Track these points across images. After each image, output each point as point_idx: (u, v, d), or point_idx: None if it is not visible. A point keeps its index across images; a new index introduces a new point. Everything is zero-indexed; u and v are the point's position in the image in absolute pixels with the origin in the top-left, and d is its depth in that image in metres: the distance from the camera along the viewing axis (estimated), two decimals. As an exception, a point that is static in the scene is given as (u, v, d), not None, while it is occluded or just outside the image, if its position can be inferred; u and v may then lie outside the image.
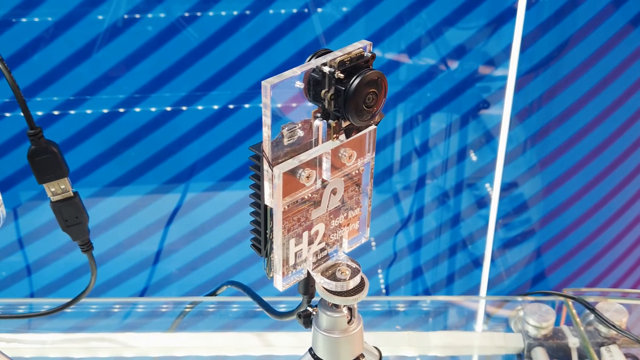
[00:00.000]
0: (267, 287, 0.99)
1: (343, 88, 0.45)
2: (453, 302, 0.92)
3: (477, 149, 1.00)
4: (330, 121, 0.47)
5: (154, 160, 0.97)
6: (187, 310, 0.83)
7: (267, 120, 0.45)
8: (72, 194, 0.64)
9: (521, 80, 0.93)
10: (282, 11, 0.90)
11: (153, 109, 0.94)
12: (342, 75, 0.45)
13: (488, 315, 0.90)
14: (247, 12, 0.89)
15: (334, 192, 0.50)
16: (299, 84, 0.46)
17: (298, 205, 0.48)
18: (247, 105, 0.95)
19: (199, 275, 1.05)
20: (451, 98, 0.96)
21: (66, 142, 0.67)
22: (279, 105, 0.45)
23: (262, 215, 0.49)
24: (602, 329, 0.81)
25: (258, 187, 0.48)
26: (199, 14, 0.90)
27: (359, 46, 0.47)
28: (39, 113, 0.86)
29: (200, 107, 0.94)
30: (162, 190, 1.00)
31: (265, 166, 0.46)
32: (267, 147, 0.46)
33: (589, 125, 0.98)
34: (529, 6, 0.88)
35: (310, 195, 0.48)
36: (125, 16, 0.89)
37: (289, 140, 0.47)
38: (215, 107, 0.95)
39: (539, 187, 1.02)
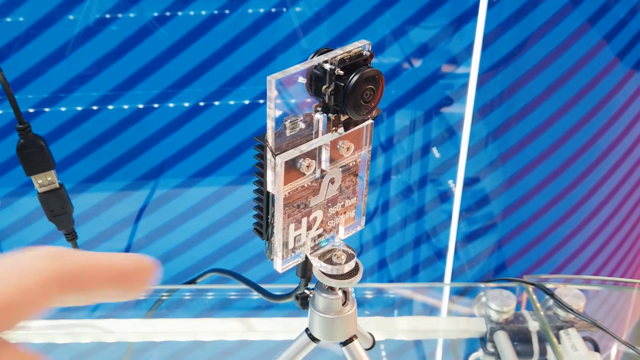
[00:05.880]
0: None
1: (343, 84, 0.48)
2: (419, 288, 0.95)
3: (440, 144, 1.03)
4: (330, 115, 0.49)
5: (127, 157, 0.98)
6: (165, 297, 0.84)
7: (271, 112, 0.48)
8: (58, 186, 0.66)
9: (483, 77, 0.95)
10: (250, 11, 0.92)
11: (126, 107, 0.95)
12: (342, 72, 0.48)
13: (452, 301, 0.93)
14: (216, 12, 0.91)
15: (332, 181, 0.52)
16: (302, 80, 0.48)
17: (298, 193, 0.51)
18: (216, 103, 0.96)
19: (171, 267, 1.06)
20: (415, 95, 0.98)
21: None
22: (282, 100, 0.48)
23: (264, 201, 0.52)
24: (561, 313, 0.83)
25: (261, 175, 0.51)
26: (168, 14, 0.91)
27: (359, 45, 0.49)
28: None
29: (171, 105, 0.96)
30: (135, 187, 1.01)
31: (269, 155, 0.49)
32: (270, 137, 0.48)
33: (548, 120, 1.01)
34: (490, 6, 0.91)
35: (309, 183, 0.51)
36: (97, 16, 0.90)
37: (291, 132, 0.49)
38: (186, 104, 0.96)
39: (500, 180, 1.05)
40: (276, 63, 0.95)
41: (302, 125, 0.50)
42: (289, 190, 0.50)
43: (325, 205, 0.53)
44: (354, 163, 0.53)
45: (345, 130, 0.51)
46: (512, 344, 0.81)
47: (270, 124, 0.48)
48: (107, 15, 0.90)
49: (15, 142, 0.66)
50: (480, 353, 0.82)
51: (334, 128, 0.50)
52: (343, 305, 0.57)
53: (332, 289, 0.57)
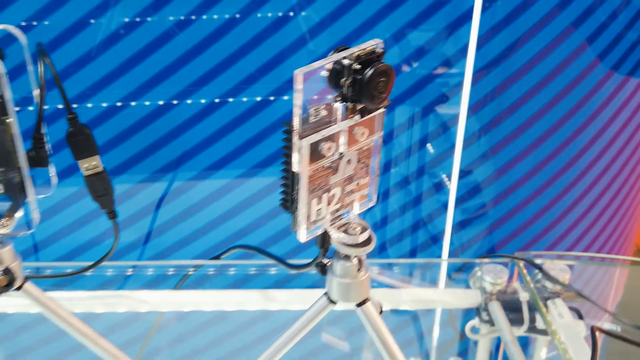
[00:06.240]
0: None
1: (359, 77, 0.55)
2: (420, 264, 1.02)
3: (436, 138, 1.09)
4: (347, 104, 0.57)
5: (148, 150, 1.04)
6: (191, 272, 0.91)
7: (298, 102, 0.55)
8: (101, 170, 0.73)
9: (476, 75, 1.01)
10: (259, 15, 0.98)
11: (147, 103, 1.02)
12: (358, 67, 0.55)
13: (450, 276, 1.00)
14: (227, 16, 0.97)
15: (348, 162, 0.60)
16: (324, 73, 0.56)
17: (319, 172, 0.58)
18: (230, 100, 1.03)
19: (188, 251, 1.12)
20: (413, 93, 1.04)
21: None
22: (306, 91, 0.55)
23: (290, 179, 0.59)
24: (549, 285, 0.88)
25: (288, 156, 0.58)
26: (182, 18, 0.97)
27: (372, 44, 0.56)
28: (45, 107, 0.93)
29: (189, 102, 1.03)
30: (154, 179, 1.07)
31: (295, 139, 0.56)
32: (297, 123, 0.56)
33: (535, 115, 1.06)
34: (483, 10, 0.96)
35: (329, 164, 0.58)
36: (122, 20, 0.96)
37: (314, 119, 0.57)
38: (203, 101, 1.03)
39: (490, 171, 1.10)
40: (286, 64, 1.01)
41: (324, 113, 0.57)
42: (312, 169, 0.57)
43: (342, 183, 0.61)
44: (368, 147, 0.61)
45: (361, 117, 0.58)
46: (505, 312, 0.87)
47: (297, 112, 0.55)
48: (126, 19, 0.96)
49: (53, 133, 0.73)
50: (476, 321, 0.89)
51: (351, 116, 0.58)
52: (358, 271, 0.65)
53: (348, 256, 0.64)
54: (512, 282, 0.91)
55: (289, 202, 0.61)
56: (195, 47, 0.99)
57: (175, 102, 1.02)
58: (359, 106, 0.58)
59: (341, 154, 0.59)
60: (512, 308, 0.89)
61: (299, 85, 0.55)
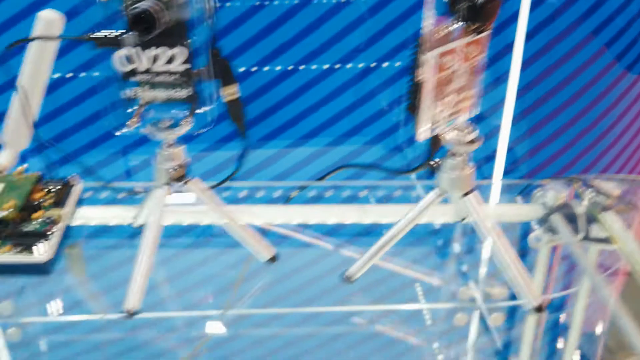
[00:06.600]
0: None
1: (475, 2, 0.69)
2: (486, 184, 1.13)
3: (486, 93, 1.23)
4: (464, 24, 0.71)
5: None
6: (295, 194, 1.02)
7: (428, 20, 0.69)
8: (238, 97, 0.86)
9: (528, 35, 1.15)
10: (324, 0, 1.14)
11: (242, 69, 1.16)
12: None
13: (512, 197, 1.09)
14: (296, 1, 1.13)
15: (461, 75, 0.74)
16: None
17: (439, 81, 0.71)
18: (302, 67, 1.17)
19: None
20: None
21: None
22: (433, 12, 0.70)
23: (414, 88, 0.72)
24: (601, 199, 0.98)
25: (414, 68, 0.72)
26: (257, 3, 1.12)
27: None
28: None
29: (266, 69, 1.16)
30: (214, 148, 1.22)
31: (423, 52, 0.70)
32: (427, 39, 0.70)
33: (552, 90, 1.22)
34: None
35: (448, 75, 0.72)
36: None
37: (437, 36, 0.71)
38: (278, 68, 1.16)
39: (523, 129, 1.26)
40: (348, 38, 1.15)
41: (445, 32, 0.72)
42: (434, 78, 0.71)
43: (456, 92, 0.74)
44: (477, 63, 0.75)
45: (476, 35, 0.72)
46: (565, 222, 0.98)
47: (428, 29, 0.69)
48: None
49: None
50: (539, 231, 1.02)
51: (466, 34, 0.72)
52: (465, 166, 0.79)
53: (456, 154, 0.79)
54: (569, 199, 1.03)
55: (413, 107, 0.75)
56: (271, 23, 1.14)
57: (254, 69, 1.17)
58: (472, 27, 0.72)
59: (456, 67, 0.72)
60: (570, 219, 0.99)
61: (429, 6, 0.69)
